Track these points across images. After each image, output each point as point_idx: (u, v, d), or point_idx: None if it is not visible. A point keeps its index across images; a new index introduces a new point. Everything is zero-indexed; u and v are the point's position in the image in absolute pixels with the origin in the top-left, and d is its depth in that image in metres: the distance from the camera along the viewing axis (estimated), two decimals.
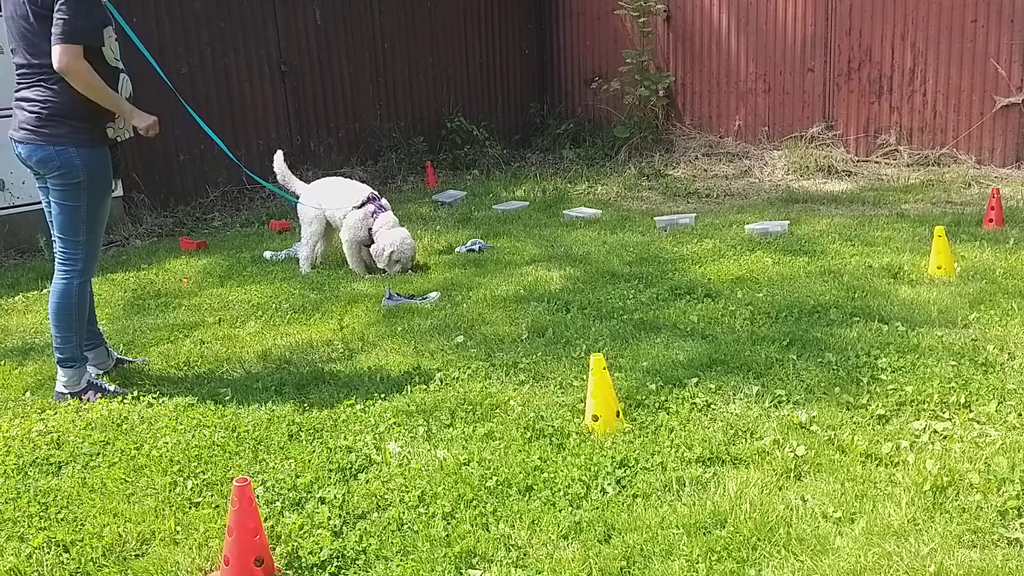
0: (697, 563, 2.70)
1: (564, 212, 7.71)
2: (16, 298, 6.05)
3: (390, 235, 6.01)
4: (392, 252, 5.98)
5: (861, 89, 9.36)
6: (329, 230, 6.32)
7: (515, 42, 11.61)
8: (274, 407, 3.99)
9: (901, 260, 5.65)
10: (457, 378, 4.20)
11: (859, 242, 6.22)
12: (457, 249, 6.68)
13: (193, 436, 3.75)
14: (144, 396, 4.22)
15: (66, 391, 4.21)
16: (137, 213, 8.23)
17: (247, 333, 5.05)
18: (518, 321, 4.92)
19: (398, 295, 5.54)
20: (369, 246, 6.10)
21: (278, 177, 6.40)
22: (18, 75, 4.05)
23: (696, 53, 10.42)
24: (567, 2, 11.40)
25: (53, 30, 3.85)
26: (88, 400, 4.18)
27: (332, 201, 6.15)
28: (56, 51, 3.86)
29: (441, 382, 4.17)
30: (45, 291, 6.16)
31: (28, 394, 4.36)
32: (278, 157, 6.42)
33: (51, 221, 4.19)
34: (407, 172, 10.16)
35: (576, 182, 9.23)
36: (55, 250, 4.20)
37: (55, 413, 4.10)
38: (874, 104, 9.30)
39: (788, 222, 6.80)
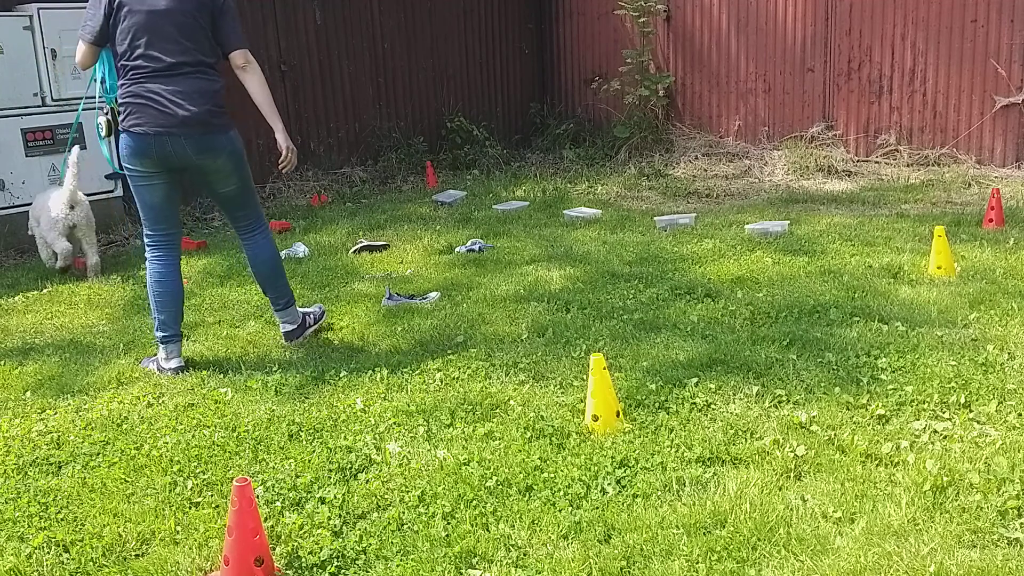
0: (697, 563, 2.70)
1: (564, 212, 7.71)
2: (16, 298, 6.05)
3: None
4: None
5: (861, 89, 9.36)
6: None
7: (515, 42, 11.61)
8: (274, 407, 3.99)
9: (901, 260, 5.65)
10: (457, 378, 4.20)
11: (859, 242, 6.22)
12: (457, 249, 6.68)
13: (193, 436, 3.75)
14: (144, 396, 4.22)
15: (293, 327, 4.75)
16: (137, 213, 8.22)
17: (247, 333, 5.05)
18: (518, 321, 4.92)
19: (398, 295, 5.54)
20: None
21: (68, 182, 6.40)
22: (145, 70, 4.24)
23: (696, 53, 10.42)
24: (567, 2, 11.40)
25: (233, 32, 4.41)
26: (308, 325, 4.80)
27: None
28: (243, 52, 4.44)
29: (441, 382, 4.17)
30: (45, 291, 6.16)
31: (28, 394, 4.37)
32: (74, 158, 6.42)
33: (172, 206, 4.53)
34: (407, 172, 10.16)
35: (576, 182, 9.23)
36: (240, 224, 4.62)
37: (55, 413, 4.10)
38: (874, 104, 9.30)
39: (788, 222, 6.80)
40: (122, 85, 4.31)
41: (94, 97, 4.67)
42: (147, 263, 4.52)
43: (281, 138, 4.54)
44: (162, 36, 4.22)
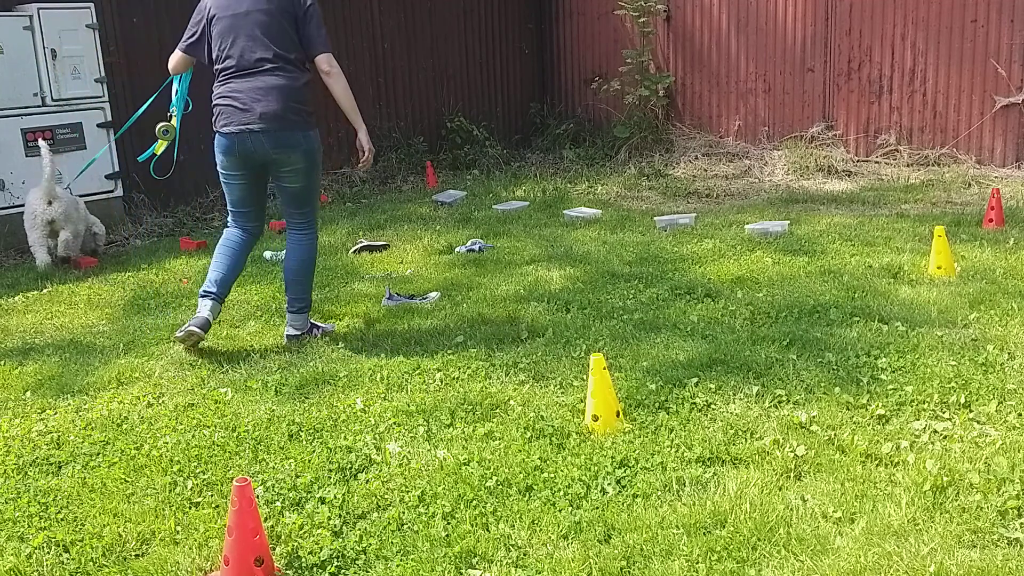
0: (697, 563, 2.70)
1: (564, 212, 7.71)
2: (16, 298, 6.05)
3: (96, 219, 7.20)
4: (103, 228, 7.22)
5: (861, 89, 9.36)
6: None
7: (515, 42, 11.61)
8: (274, 407, 3.99)
9: (901, 260, 5.65)
10: (457, 378, 4.20)
11: (859, 242, 6.22)
12: (457, 249, 6.68)
13: (193, 436, 3.75)
14: (144, 396, 4.22)
15: (297, 332, 4.78)
16: (137, 213, 8.23)
17: (247, 333, 5.04)
18: (518, 321, 4.92)
19: (398, 295, 5.54)
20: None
21: (46, 173, 6.59)
22: (232, 70, 4.48)
23: (696, 53, 10.42)
24: (567, 2, 11.40)
25: (317, 37, 4.60)
26: (314, 335, 4.80)
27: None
28: (327, 57, 4.66)
29: (441, 382, 4.17)
30: (45, 291, 6.16)
31: (28, 394, 4.37)
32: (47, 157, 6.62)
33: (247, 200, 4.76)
34: (407, 172, 10.16)
35: (576, 182, 9.23)
36: (293, 220, 4.77)
37: (55, 413, 4.10)
38: (874, 104, 9.30)
39: (788, 222, 6.80)
40: (214, 88, 4.56)
41: (173, 111, 5.00)
42: (224, 232, 4.83)
43: (364, 139, 4.84)
44: (244, 37, 4.45)
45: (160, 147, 5.08)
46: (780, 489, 3.08)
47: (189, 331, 4.55)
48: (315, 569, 2.81)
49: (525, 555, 2.80)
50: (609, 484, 3.15)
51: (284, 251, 6.78)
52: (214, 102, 4.55)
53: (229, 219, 4.82)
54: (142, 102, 8.41)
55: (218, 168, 4.65)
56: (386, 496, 3.19)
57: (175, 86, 4.95)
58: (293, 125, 4.50)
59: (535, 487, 3.16)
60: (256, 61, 4.45)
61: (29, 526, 3.13)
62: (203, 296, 4.66)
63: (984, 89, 8.61)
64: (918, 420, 3.51)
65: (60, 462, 3.61)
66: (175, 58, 4.77)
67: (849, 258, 5.82)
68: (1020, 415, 3.50)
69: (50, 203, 6.66)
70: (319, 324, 4.96)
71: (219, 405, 4.06)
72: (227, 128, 4.47)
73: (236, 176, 4.62)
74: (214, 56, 4.56)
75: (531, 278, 5.76)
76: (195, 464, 3.50)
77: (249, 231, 4.81)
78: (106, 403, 4.16)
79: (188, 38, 4.66)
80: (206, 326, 4.60)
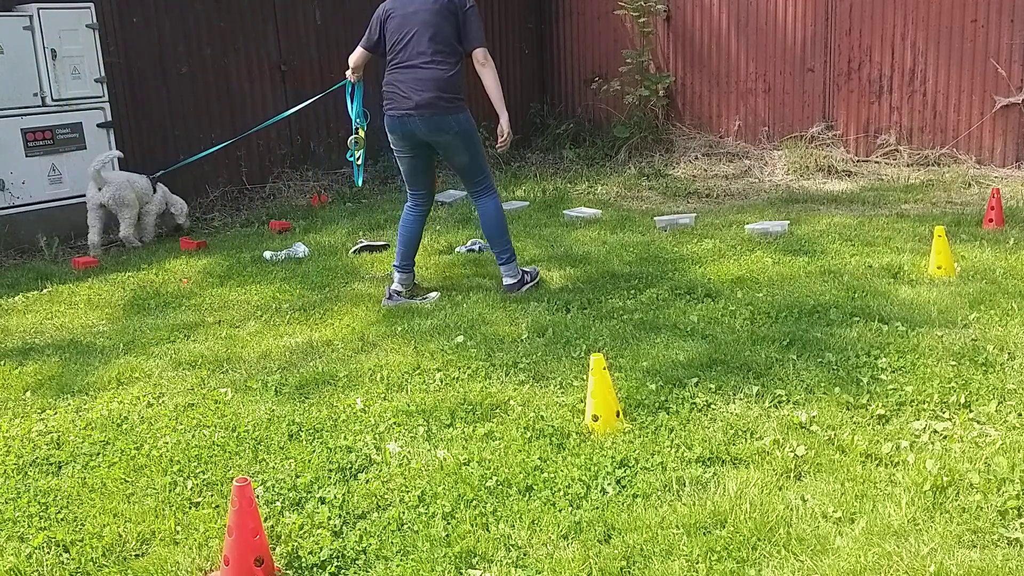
0: (697, 563, 2.70)
1: (564, 212, 7.71)
2: (16, 298, 6.05)
3: (177, 198, 7.85)
4: (186, 209, 7.86)
5: (861, 89, 9.36)
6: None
7: (515, 42, 11.60)
8: (274, 407, 3.99)
9: (901, 260, 5.65)
10: (457, 378, 4.20)
11: (859, 242, 6.22)
12: (457, 249, 6.68)
13: (193, 436, 3.75)
14: (144, 396, 4.22)
15: (514, 280, 5.41)
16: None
17: (247, 333, 5.05)
18: (518, 321, 4.92)
19: (398, 295, 5.54)
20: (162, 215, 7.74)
21: (96, 165, 7.22)
22: (400, 62, 5.16)
23: (696, 53, 10.42)
24: (567, 2, 11.40)
25: (475, 33, 5.18)
26: (526, 280, 5.45)
27: (142, 189, 7.52)
28: (483, 51, 5.21)
29: (441, 382, 4.17)
30: (45, 291, 6.17)
31: (28, 394, 4.37)
32: (111, 156, 7.50)
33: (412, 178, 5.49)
34: None
35: (576, 182, 9.23)
36: (471, 190, 5.44)
37: (55, 413, 4.10)
38: (874, 104, 9.30)
39: (788, 222, 6.80)
40: (385, 75, 5.26)
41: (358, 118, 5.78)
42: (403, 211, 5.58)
43: (505, 125, 5.42)
44: (411, 32, 5.11)
45: (359, 158, 5.85)
46: (780, 489, 3.08)
47: (388, 302, 5.36)
48: (315, 569, 2.81)
49: (525, 555, 2.80)
50: (609, 484, 3.15)
51: (282, 251, 6.87)
52: (383, 87, 5.28)
53: (408, 193, 5.54)
54: (142, 102, 8.49)
55: (391, 144, 5.39)
56: (386, 496, 3.19)
57: (350, 104, 5.69)
58: (444, 111, 5.11)
59: (535, 487, 3.16)
60: (417, 54, 5.10)
61: (29, 526, 3.13)
62: (395, 270, 5.52)
63: (984, 89, 8.61)
64: (918, 420, 3.51)
65: (60, 462, 3.61)
66: (357, 54, 5.49)
67: (849, 258, 5.82)
68: (1020, 415, 3.50)
69: (99, 188, 7.23)
70: (526, 268, 5.60)
71: (219, 405, 4.06)
72: (392, 111, 5.21)
73: (403, 151, 5.33)
74: (387, 48, 5.25)
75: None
76: (195, 464, 3.50)
77: (420, 202, 5.51)
78: (106, 403, 4.17)
79: (367, 36, 5.36)
80: (396, 296, 5.43)
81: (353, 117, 5.76)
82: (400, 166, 5.47)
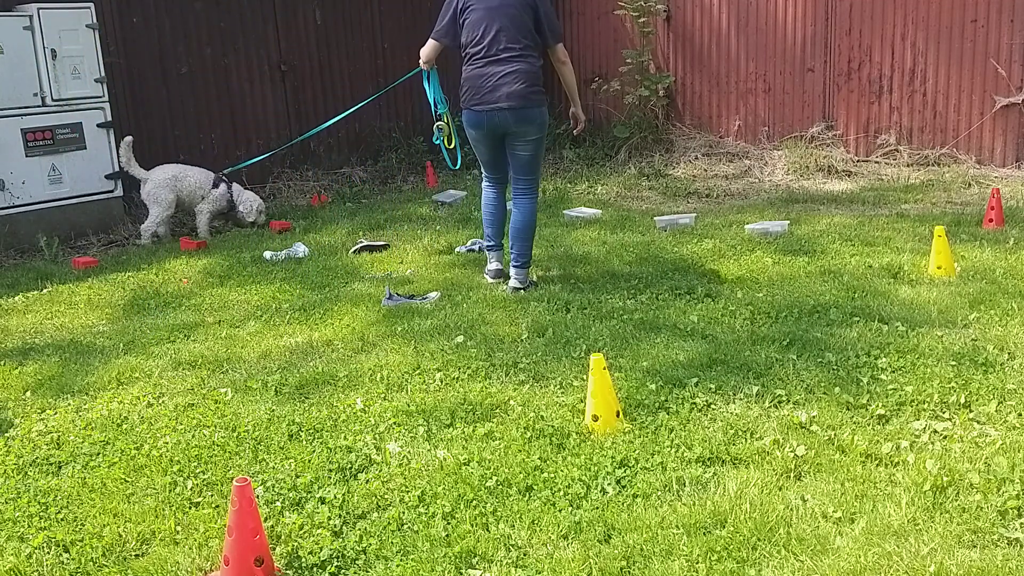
0: (697, 563, 2.70)
1: (564, 212, 7.71)
2: (16, 298, 6.05)
3: (251, 195, 7.95)
4: (257, 205, 7.89)
5: (861, 89, 9.36)
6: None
7: None
8: (274, 407, 3.99)
9: (901, 260, 5.65)
10: (457, 378, 4.20)
11: (859, 242, 6.22)
12: (457, 249, 6.68)
13: (193, 436, 3.75)
14: (144, 396, 4.22)
15: (521, 286, 5.47)
16: (137, 213, 8.22)
17: (247, 333, 5.05)
18: (518, 321, 4.92)
19: (398, 295, 5.54)
20: (226, 212, 7.89)
21: (121, 161, 7.55)
22: (482, 57, 5.23)
23: (696, 53, 10.42)
24: (567, 2, 11.39)
25: (552, 30, 5.38)
26: (529, 288, 5.48)
27: (193, 185, 7.68)
28: (561, 48, 5.49)
29: (441, 382, 4.17)
30: (45, 291, 6.17)
31: (28, 394, 4.37)
32: (126, 143, 7.55)
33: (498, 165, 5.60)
34: (407, 172, 10.16)
35: (576, 182, 9.23)
36: (520, 186, 5.49)
37: (55, 413, 4.10)
38: (874, 104, 9.30)
39: (788, 222, 6.80)
40: (464, 70, 5.33)
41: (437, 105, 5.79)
42: (482, 192, 5.71)
43: (579, 112, 5.76)
44: (495, 27, 5.20)
45: (448, 140, 5.86)
46: (780, 489, 3.08)
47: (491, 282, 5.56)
48: (315, 569, 2.81)
49: (525, 555, 2.81)
50: (609, 484, 3.15)
51: (282, 251, 6.87)
52: (463, 82, 5.33)
53: (483, 178, 5.69)
54: (142, 102, 8.50)
55: (469, 136, 5.49)
56: (386, 496, 3.19)
57: (429, 92, 5.72)
58: (531, 103, 5.25)
59: (535, 487, 3.16)
60: (503, 49, 5.20)
61: (29, 526, 3.13)
62: (490, 249, 5.69)
63: (984, 89, 8.60)
64: (918, 420, 3.51)
65: (60, 462, 3.61)
66: (429, 47, 5.49)
67: (849, 258, 5.82)
68: (1020, 415, 3.50)
69: (142, 182, 7.56)
70: (534, 280, 5.68)
71: (219, 405, 4.06)
72: (478, 106, 5.26)
73: (483, 143, 5.45)
74: (464, 41, 5.30)
75: (531, 278, 5.76)
76: (195, 464, 3.50)
77: (499, 181, 5.63)
78: (106, 403, 4.17)
79: (440, 28, 5.38)
80: (500, 274, 5.65)
81: (433, 103, 5.80)
82: (480, 157, 5.59)
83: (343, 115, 8.40)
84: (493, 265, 5.65)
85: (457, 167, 6.35)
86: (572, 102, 5.74)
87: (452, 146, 5.92)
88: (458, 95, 5.44)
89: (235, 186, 7.90)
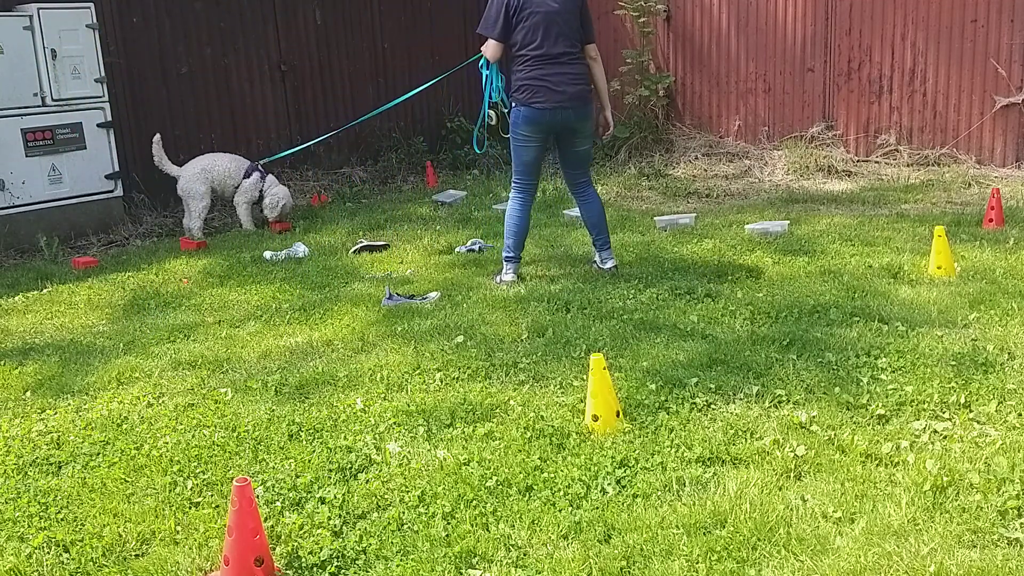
0: (697, 563, 2.70)
1: (564, 212, 7.70)
2: (16, 298, 6.05)
3: (280, 190, 7.76)
4: (283, 202, 7.72)
5: (861, 89, 9.36)
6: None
7: None
8: (274, 407, 3.99)
9: (901, 260, 5.65)
10: (457, 378, 4.20)
11: (859, 242, 6.22)
12: (457, 249, 6.68)
13: (193, 436, 3.75)
14: (144, 396, 4.22)
15: (615, 263, 5.80)
16: (137, 213, 8.24)
17: (247, 333, 5.05)
18: (518, 321, 4.92)
19: (398, 295, 5.54)
20: (256, 202, 7.78)
21: (155, 159, 7.54)
22: (543, 58, 5.40)
23: (696, 53, 10.42)
24: None
25: (590, 29, 5.59)
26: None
27: (223, 174, 7.65)
28: (595, 46, 5.69)
29: (441, 382, 4.17)
30: (45, 291, 6.17)
31: (28, 394, 4.37)
32: (156, 141, 7.54)
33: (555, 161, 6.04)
34: (407, 172, 10.16)
35: None
36: (582, 179, 5.83)
37: (55, 413, 4.10)
38: (874, 104, 9.30)
39: (788, 222, 6.80)
40: (521, 69, 5.45)
41: (491, 92, 5.83)
42: (509, 201, 5.79)
43: (608, 116, 5.96)
44: (553, 30, 5.39)
45: (492, 117, 5.86)
46: (780, 489, 3.08)
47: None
48: (315, 569, 2.81)
49: (525, 555, 2.80)
50: (609, 484, 3.15)
51: (282, 251, 6.88)
52: (524, 82, 5.45)
53: (514, 186, 5.75)
54: (142, 102, 8.49)
55: (518, 136, 5.56)
56: (386, 496, 3.19)
57: (490, 82, 5.76)
58: (587, 100, 5.56)
59: (535, 487, 3.16)
60: (562, 53, 5.43)
61: (29, 526, 3.13)
62: (508, 261, 5.72)
63: (984, 89, 8.60)
64: (918, 420, 3.51)
65: (60, 462, 3.61)
66: (494, 47, 5.53)
67: (849, 258, 5.82)
68: (1020, 415, 3.50)
69: (177, 179, 7.58)
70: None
71: (219, 405, 4.06)
72: (543, 104, 5.42)
73: (535, 141, 5.57)
74: (519, 41, 5.44)
75: (531, 278, 5.76)
76: (195, 464, 3.50)
77: (530, 191, 5.76)
78: (106, 403, 4.17)
79: (500, 28, 5.45)
80: (515, 283, 5.65)
81: (491, 94, 5.83)
82: (524, 157, 5.65)
83: (402, 99, 8.35)
84: (510, 276, 5.71)
85: (482, 151, 6.39)
86: (603, 105, 5.90)
87: (492, 122, 5.87)
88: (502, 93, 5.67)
89: (269, 177, 7.78)
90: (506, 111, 5.72)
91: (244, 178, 7.67)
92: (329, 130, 9.87)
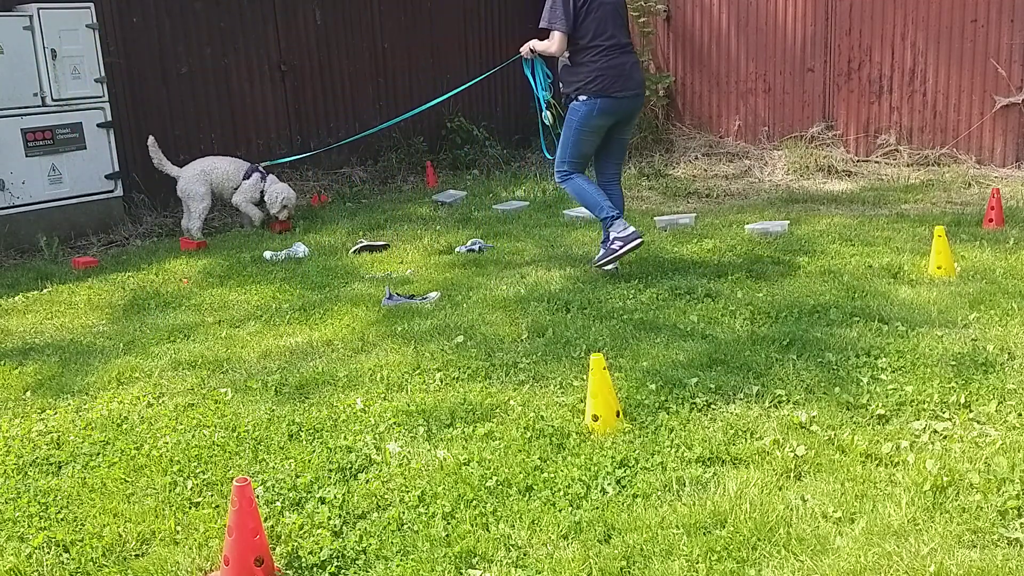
0: (697, 563, 2.70)
1: (564, 212, 7.71)
2: (16, 298, 6.05)
3: (280, 187, 7.69)
4: (282, 198, 7.60)
5: (861, 89, 9.36)
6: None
7: (515, 42, 11.59)
8: (274, 407, 3.99)
9: (901, 260, 5.65)
10: (457, 378, 4.20)
11: (859, 242, 6.22)
12: (457, 249, 6.68)
13: (193, 436, 3.75)
14: (144, 396, 4.22)
15: (639, 239, 5.57)
16: (137, 213, 8.23)
17: (247, 333, 5.05)
18: (518, 321, 4.92)
19: (398, 295, 5.54)
20: (259, 203, 7.77)
21: (154, 162, 7.59)
22: (615, 47, 5.52)
23: (696, 53, 10.42)
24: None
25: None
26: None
27: (222, 176, 7.65)
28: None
29: (441, 382, 4.17)
30: (45, 291, 6.17)
31: (28, 394, 4.37)
32: (151, 143, 7.60)
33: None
34: (407, 172, 10.16)
35: None
36: (613, 172, 5.84)
37: (55, 413, 4.10)
38: (874, 104, 9.30)
39: (788, 222, 6.80)
40: (595, 60, 5.49)
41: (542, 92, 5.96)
42: (570, 182, 5.70)
43: None
44: (613, 23, 5.54)
45: (549, 118, 5.95)
46: (780, 489, 3.08)
47: (636, 244, 5.49)
48: (315, 569, 2.81)
49: (525, 555, 2.80)
50: (609, 484, 3.15)
51: (282, 251, 6.87)
52: (600, 72, 5.48)
53: (562, 173, 5.73)
54: (142, 102, 8.49)
55: (590, 127, 5.57)
56: (386, 496, 3.19)
57: (536, 78, 5.85)
58: (644, 89, 5.77)
59: (535, 487, 3.16)
60: (626, 43, 5.61)
61: (29, 526, 3.13)
62: (616, 218, 5.57)
63: (984, 89, 8.61)
64: (918, 420, 3.51)
65: (60, 462, 3.61)
66: (562, 39, 5.51)
67: (849, 258, 5.82)
68: (1020, 415, 3.50)
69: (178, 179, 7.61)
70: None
71: (219, 405, 4.06)
72: (622, 93, 5.52)
73: (601, 133, 5.64)
74: (592, 32, 5.50)
75: (531, 278, 5.76)
76: (195, 464, 3.50)
77: (583, 170, 5.79)
78: (106, 403, 4.17)
79: (566, 22, 5.48)
80: (639, 235, 5.55)
81: (540, 90, 5.94)
82: (586, 149, 5.68)
83: (453, 93, 8.31)
84: (629, 230, 5.55)
85: (547, 153, 6.30)
86: None
87: (551, 124, 5.93)
88: (562, 85, 5.65)
89: (270, 177, 7.76)
90: (552, 109, 5.75)
91: (244, 179, 7.67)
92: (330, 130, 9.88)
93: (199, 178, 7.53)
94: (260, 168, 7.80)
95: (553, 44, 5.55)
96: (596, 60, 5.49)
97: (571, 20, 5.47)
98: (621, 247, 5.47)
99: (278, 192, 7.63)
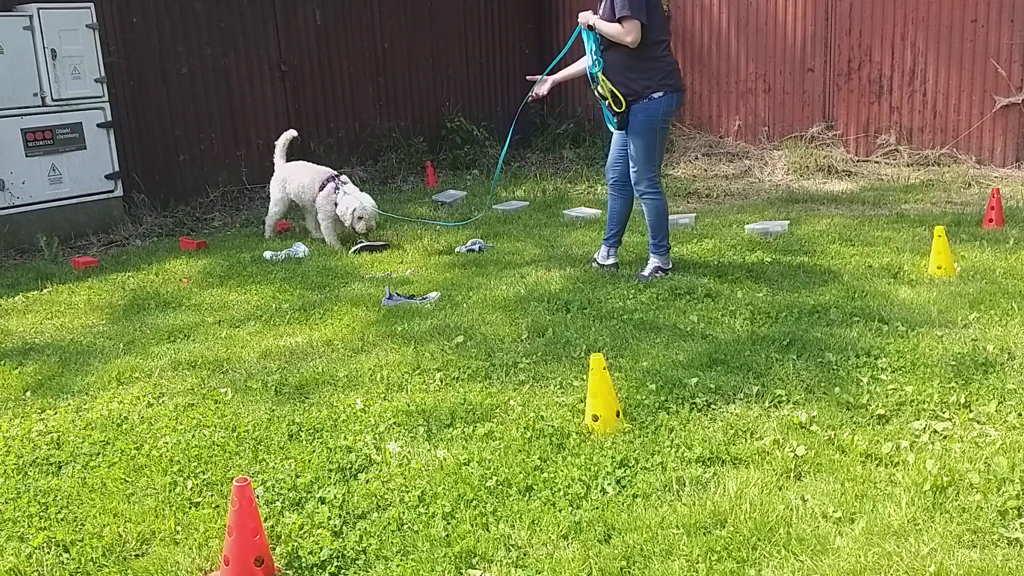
0: (697, 563, 2.70)
1: (564, 212, 7.71)
2: (16, 298, 6.05)
3: (350, 198, 6.93)
4: (354, 210, 6.85)
5: (861, 89, 9.36)
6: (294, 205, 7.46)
7: (515, 42, 11.61)
8: (274, 407, 3.99)
9: (901, 260, 5.65)
10: (457, 378, 4.20)
11: (859, 242, 6.22)
12: (457, 249, 6.68)
13: (193, 436, 3.75)
14: (144, 396, 4.22)
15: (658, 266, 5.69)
16: (137, 213, 8.23)
17: (247, 333, 5.05)
18: (518, 321, 4.92)
19: (398, 295, 5.54)
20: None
21: (276, 154, 7.54)
22: (665, 46, 5.50)
23: (696, 53, 10.42)
24: (567, 2, 11.40)
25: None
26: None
27: (298, 188, 7.27)
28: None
29: (441, 382, 4.17)
30: (45, 291, 6.17)
31: (28, 394, 4.37)
32: (289, 135, 7.57)
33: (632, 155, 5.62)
34: (407, 172, 10.16)
35: (576, 182, 9.23)
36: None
37: (55, 413, 4.10)
38: (874, 104, 9.30)
39: (788, 222, 6.80)
40: (664, 55, 5.47)
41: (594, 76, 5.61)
42: (660, 199, 5.60)
43: None
44: (665, 20, 5.55)
45: (605, 90, 5.54)
46: (780, 489, 3.08)
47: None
48: (315, 569, 2.81)
49: (525, 555, 2.80)
50: (609, 484, 3.15)
51: (282, 251, 6.86)
52: (672, 67, 5.51)
53: (651, 182, 5.57)
54: (142, 102, 8.49)
55: (668, 121, 5.52)
56: (386, 496, 3.19)
57: (591, 52, 5.55)
58: None
59: (535, 487, 3.16)
60: (664, 43, 5.52)
61: (29, 526, 3.13)
62: (668, 248, 5.69)
63: (984, 89, 8.61)
64: (918, 420, 3.51)
65: (60, 462, 3.61)
66: (638, 28, 5.34)
67: (849, 258, 5.82)
68: (1020, 415, 3.50)
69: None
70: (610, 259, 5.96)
71: (219, 405, 4.06)
72: (682, 90, 5.56)
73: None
74: (659, 27, 5.46)
75: (531, 278, 5.76)
76: (195, 464, 3.50)
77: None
78: (106, 403, 4.17)
79: (643, 15, 5.34)
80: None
81: (592, 65, 5.57)
82: (659, 150, 5.60)
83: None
84: (671, 264, 5.72)
85: (615, 131, 5.78)
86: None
87: (622, 110, 5.49)
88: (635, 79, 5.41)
89: (344, 187, 7.00)
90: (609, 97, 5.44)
91: (319, 191, 7.05)
92: (329, 130, 9.88)
93: (277, 184, 7.36)
94: (335, 176, 7.12)
95: (632, 32, 5.31)
96: (666, 55, 5.51)
97: (643, 14, 5.33)
98: (661, 275, 5.62)
99: (348, 205, 6.84)
